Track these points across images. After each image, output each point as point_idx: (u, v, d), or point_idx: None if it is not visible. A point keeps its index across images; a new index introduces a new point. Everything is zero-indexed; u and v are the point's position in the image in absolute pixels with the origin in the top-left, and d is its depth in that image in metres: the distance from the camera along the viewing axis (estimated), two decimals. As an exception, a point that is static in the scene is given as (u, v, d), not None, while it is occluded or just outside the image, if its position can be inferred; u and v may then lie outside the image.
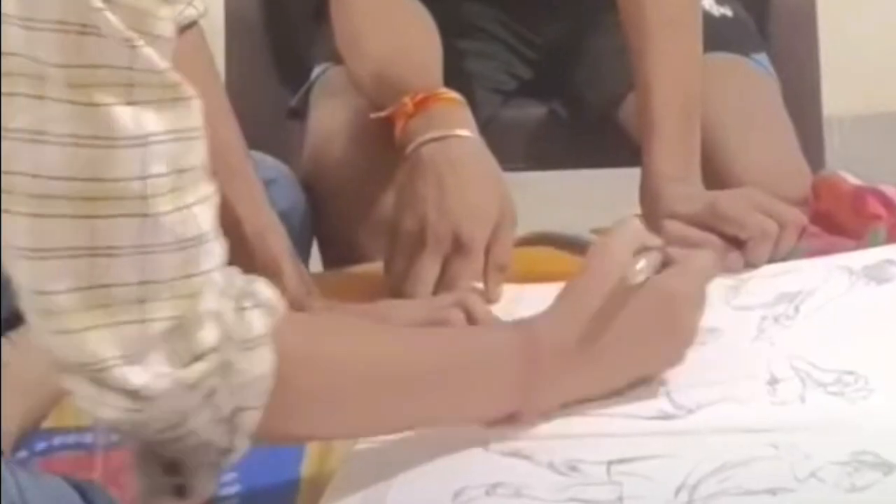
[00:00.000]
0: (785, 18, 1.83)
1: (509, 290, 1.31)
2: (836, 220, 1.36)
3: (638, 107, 1.44)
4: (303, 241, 1.49)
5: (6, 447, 1.09)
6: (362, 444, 1.05)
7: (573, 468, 1.00)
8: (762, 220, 1.31)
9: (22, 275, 0.85)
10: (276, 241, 1.30)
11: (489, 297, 1.29)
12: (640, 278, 1.05)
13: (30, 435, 1.13)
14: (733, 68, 1.60)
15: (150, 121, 0.84)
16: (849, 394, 1.06)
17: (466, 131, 1.33)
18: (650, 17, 1.44)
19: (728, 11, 1.67)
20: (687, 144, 1.41)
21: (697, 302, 1.08)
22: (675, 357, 1.08)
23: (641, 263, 1.06)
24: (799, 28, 1.84)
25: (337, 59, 1.52)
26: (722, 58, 1.58)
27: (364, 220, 1.48)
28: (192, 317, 0.87)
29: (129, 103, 0.83)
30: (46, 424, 1.14)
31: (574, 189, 2.01)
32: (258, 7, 1.82)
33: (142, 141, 0.83)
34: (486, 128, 1.41)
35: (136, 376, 0.85)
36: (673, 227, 1.33)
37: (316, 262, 1.56)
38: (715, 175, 1.44)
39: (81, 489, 0.93)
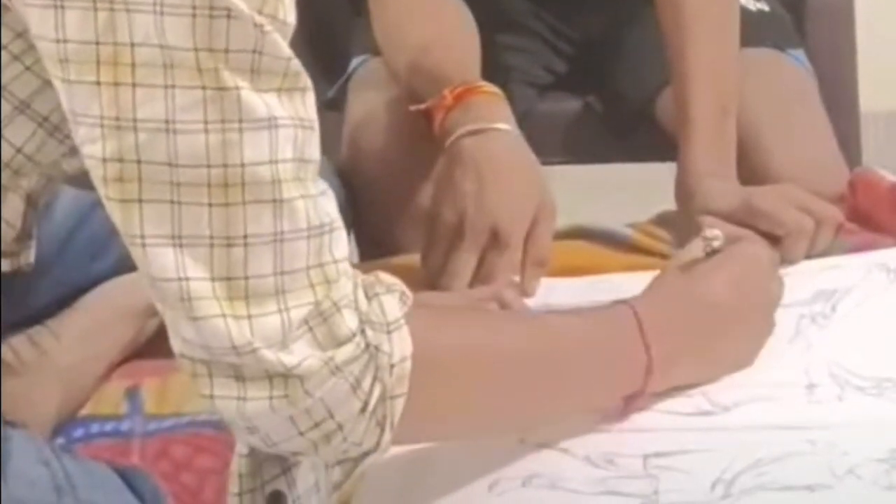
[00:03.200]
0: (822, 14, 1.82)
1: (545, 283, 1.31)
2: (874, 217, 1.36)
3: (674, 101, 1.44)
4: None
5: (43, 434, 1.10)
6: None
7: (609, 461, 1.00)
8: (799, 216, 1.31)
9: (154, 262, 0.84)
10: None
11: (526, 292, 1.29)
12: (716, 244, 1.10)
13: (67, 422, 1.14)
14: (770, 63, 1.60)
15: (275, 105, 0.84)
16: (888, 394, 1.06)
17: (505, 125, 1.33)
18: (687, 12, 1.44)
19: (765, 6, 1.67)
20: (723, 140, 1.40)
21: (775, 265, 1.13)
22: (769, 325, 1.12)
23: (716, 231, 1.11)
24: (836, 23, 1.83)
25: (375, 51, 1.53)
26: (758, 53, 1.58)
27: (401, 212, 1.48)
28: (329, 305, 0.86)
29: (256, 90, 0.83)
30: (84, 412, 1.15)
31: (609, 183, 2.01)
32: (295, -1, 1.82)
33: (270, 123, 0.83)
34: (522, 122, 1.40)
35: (286, 357, 0.85)
36: (709, 222, 1.33)
37: (353, 254, 1.57)
38: (751, 171, 1.44)
39: (124, 475, 0.94)
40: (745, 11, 1.52)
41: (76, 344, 1.18)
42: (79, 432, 1.13)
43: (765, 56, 1.59)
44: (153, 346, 1.24)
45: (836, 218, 1.32)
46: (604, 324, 1.04)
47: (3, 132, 0.94)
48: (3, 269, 1.06)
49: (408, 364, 0.89)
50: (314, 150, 0.87)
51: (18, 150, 0.96)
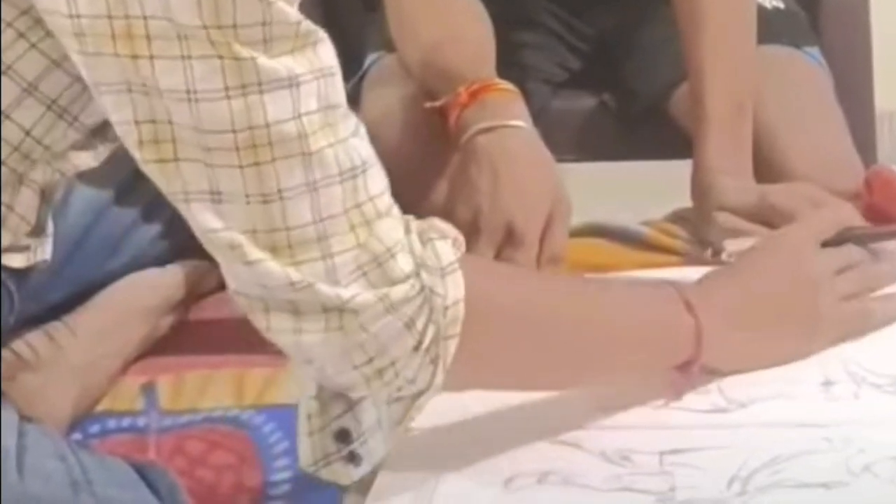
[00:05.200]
0: (837, 12, 1.82)
1: None
2: (889, 215, 1.35)
3: (690, 98, 1.43)
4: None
5: (60, 430, 1.10)
6: (414, 430, 1.05)
7: (625, 458, 1.00)
8: (814, 213, 1.30)
9: (199, 216, 0.86)
10: None
11: None
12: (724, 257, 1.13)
13: (83, 418, 1.14)
14: (785, 61, 1.59)
15: (292, 65, 0.84)
16: (904, 392, 1.06)
17: (521, 122, 1.33)
18: (703, 9, 1.43)
19: (780, 4, 1.66)
20: (739, 137, 1.40)
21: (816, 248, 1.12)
22: (815, 317, 1.10)
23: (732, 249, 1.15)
24: (851, 21, 1.83)
25: (390, 47, 1.52)
26: (774, 50, 1.57)
27: (416, 209, 1.47)
28: (380, 248, 0.88)
29: (271, 56, 0.84)
30: (100, 408, 1.15)
31: (623, 181, 2.01)
32: (309, -4, 1.82)
33: (290, 82, 0.84)
34: (537, 119, 1.40)
35: (342, 290, 0.87)
36: (724, 219, 1.33)
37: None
38: (766, 168, 1.43)
39: (141, 470, 0.94)
40: (760, 9, 1.52)
41: (92, 340, 1.18)
42: (95, 428, 1.13)
43: (780, 53, 1.59)
44: (168, 342, 1.25)
45: (851, 215, 1.32)
46: (647, 290, 1.07)
47: (12, 115, 0.95)
48: (19, 264, 1.06)
49: (461, 307, 0.91)
50: (338, 95, 0.88)
51: (27, 133, 0.96)
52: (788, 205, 1.31)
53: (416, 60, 1.44)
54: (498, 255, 1.29)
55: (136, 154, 0.86)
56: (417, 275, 0.89)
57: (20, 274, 1.07)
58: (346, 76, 1.65)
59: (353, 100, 1.63)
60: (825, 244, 1.14)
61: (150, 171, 0.86)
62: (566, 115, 1.72)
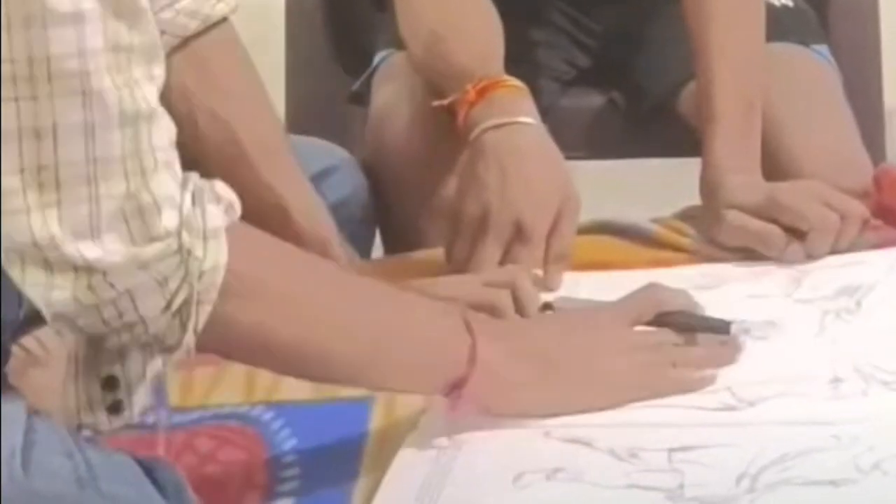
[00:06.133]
0: (846, 9, 1.82)
1: (569, 278, 1.31)
2: (898, 213, 1.35)
3: (699, 96, 1.43)
4: (365, 226, 1.49)
5: (69, 425, 1.10)
6: (424, 426, 1.05)
7: (634, 455, 1.00)
8: (824, 211, 1.30)
9: None
10: (322, 219, 1.30)
11: (549, 286, 1.29)
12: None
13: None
14: (794, 58, 1.59)
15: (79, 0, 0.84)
16: (913, 389, 1.06)
17: (529, 119, 1.33)
18: (712, 6, 1.43)
19: (789, 2, 1.66)
20: (748, 135, 1.40)
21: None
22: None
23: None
24: (860, 19, 1.83)
25: (400, 45, 1.53)
26: (782, 48, 1.58)
27: (426, 206, 1.48)
28: (149, 200, 0.87)
29: None
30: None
31: (632, 179, 2.01)
32: (319, -6, 1.82)
33: (75, 18, 0.84)
34: (546, 117, 1.40)
35: (90, 250, 0.86)
36: (734, 216, 1.33)
37: (378, 248, 1.57)
38: (775, 166, 1.43)
39: (147, 466, 0.94)
40: (769, 7, 1.52)
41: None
42: (104, 424, 1.13)
43: (789, 51, 1.59)
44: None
45: (861, 213, 1.32)
46: (429, 301, 1.05)
47: None
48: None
49: (220, 273, 0.90)
50: (139, 35, 0.87)
51: None
52: (798, 202, 1.32)
53: (424, 55, 1.44)
54: (505, 253, 1.29)
55: None
56: (179, 234, 0.88)
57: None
58: (357, 75, 1.67)
59: (363, 97, 1.65)
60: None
61: None
62: (575, 113, 1.72)
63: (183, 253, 0.89)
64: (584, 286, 1.29)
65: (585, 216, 1.38)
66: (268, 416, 1.11)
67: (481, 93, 1.34)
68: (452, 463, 1.01)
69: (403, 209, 1.52)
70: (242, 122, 1.26)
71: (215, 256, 0.90)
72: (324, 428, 1.06)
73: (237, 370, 1.14)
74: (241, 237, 0.92)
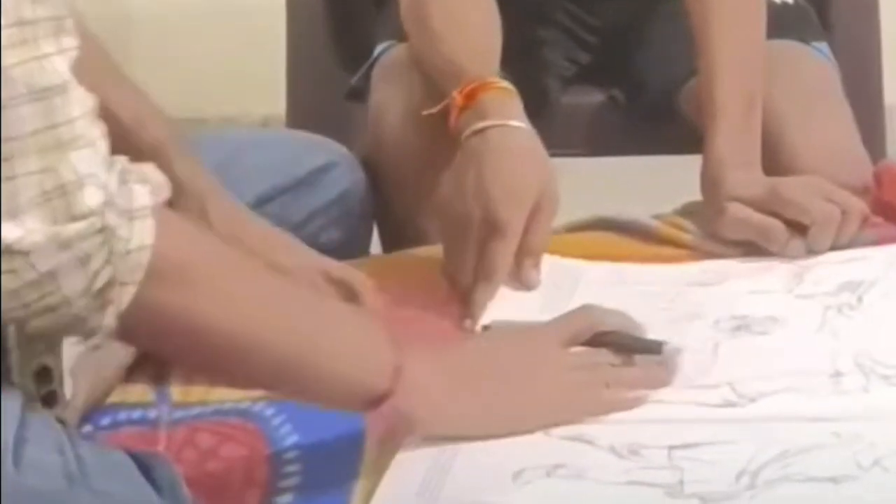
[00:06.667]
0: (846, 6, 1.82)
1: (571, 267, 1.31)
2: (898, 209, 1.36)
3: (700, 93, 1.43)
4: (363, 222, 1.49)
5: (71, 422, 1.10)
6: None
7: (634, 452, 1.00)
8: (825, 205, 1.31)
9: None
10: (157, 126, 1.25)
11: (522, 281, 1.28)
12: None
13: (94, 410, 1.14)
14: (794, 55, 1.59)
15: None
16: (913, 385, 1.06)
17: (514, 121, 1.32)
18: (713, 3, 1.43)
19: (789, -1, 1.67)
20: (749, 132, 1.40)
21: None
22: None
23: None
24: (860, 16, 1.83)
25: (400, 36, 1.52)
26: (782, 45, 1.57)
27: (423, 202, 1.48)
28: (71, 177, 0.86)
29: None
30: (111, 400, 1.16)
31: (633, 175, 2.01)
32: (319, -11, 1.82)
33: None
34: (547, 113, 1.40)
35: (9, 232, 0.85)
36: (736, 209, 1.33)
37: (376, 244, 1.57)
38: (775, 163, 1.43)
39: (144, 462, 0.93)
40: (769, 4, 1.52)
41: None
42: (106, 420, 1.13)
43: (788, 49, 1.59)
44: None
45: (861, 209, 1.32)
46: (358, 316, 1.04)
47: None
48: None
49: (145, 254, 0.88)
50: (49, 9, 0.86)
51: None
52: (799, 196, 1.32)
53: (423, 49, 1.44)
54: (483, 249, 1.28)
55: None
56: (102, 213, 0.87)
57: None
58: (357, 69, 1.67)
59: (362, 93, 1.65)
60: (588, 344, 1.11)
61: None
62: (576, 110, 1.72)
63: (106, 232, 0.87)
64: (584, 281, 1.29)
65: (586, 213, 1.38)
66: (269, 412, 1.11)
67: (469, 96, 1.34)
68: (453, 459, 1.01)
69: (403, 205, 1.51)
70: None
71: (141, 236, 0.88)
72: (325, 424, 1.06)
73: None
74: (171, 220, 0.91)
